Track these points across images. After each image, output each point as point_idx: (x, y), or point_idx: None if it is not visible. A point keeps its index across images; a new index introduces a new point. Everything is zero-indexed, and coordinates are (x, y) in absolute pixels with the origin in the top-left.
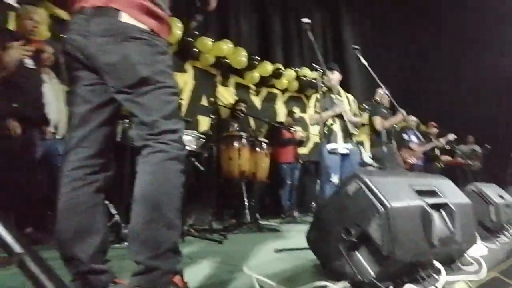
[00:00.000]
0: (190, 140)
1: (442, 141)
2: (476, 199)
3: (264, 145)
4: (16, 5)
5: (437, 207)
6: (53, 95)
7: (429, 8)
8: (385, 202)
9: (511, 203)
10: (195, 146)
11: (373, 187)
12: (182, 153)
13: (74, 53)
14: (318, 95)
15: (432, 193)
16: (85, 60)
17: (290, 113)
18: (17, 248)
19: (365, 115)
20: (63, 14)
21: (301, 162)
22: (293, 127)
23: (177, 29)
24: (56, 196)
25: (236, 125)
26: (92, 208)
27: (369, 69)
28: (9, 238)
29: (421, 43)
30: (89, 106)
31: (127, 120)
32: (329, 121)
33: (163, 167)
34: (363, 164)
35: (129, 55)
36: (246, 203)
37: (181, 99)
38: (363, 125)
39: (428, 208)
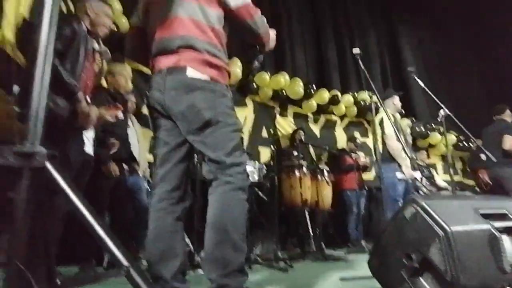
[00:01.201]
0: (252, 171)
1: None
2: None
3: (326, 173)
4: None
5: (509, 230)
6: (135, 137)
7: (492, 21)
8: (445, 225)
9: None
10: (257, 177)
11: (430, 210)
12: (246, 183)
13: (155, 105)
14: (388, 116)
15: (502, 216)
16: (163, 111)
17: (352, 139)
18: (125, 262)
19: (435, 135)
20: (142, 68)
21: (366, 188)
22: (355, 152)
23: (237, 68)
24: (139, 224)
25: (296, 154)
26: (173, 234)
27: (427, 90)
28: (118, 253)
29: (488, 58)
30: (168, 148)
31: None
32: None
33: (229, 196)
34: (438, 188)
35: (194, 103)
36: (311, 232)
37: (242, 133)
38: (431, 146)
39: (496, 232)
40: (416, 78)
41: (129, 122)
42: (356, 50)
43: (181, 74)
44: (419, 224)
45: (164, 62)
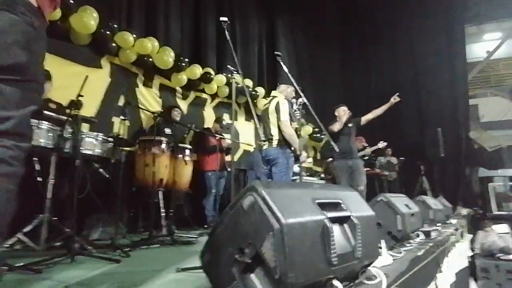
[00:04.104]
0: (93, 143)
1: (368, 150)
2: (385, 210)
3: (187, 152)
4: None
5: (339, 220)
6: None
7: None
8: (281, 217)
9: (416, 212)
10: (99, 151)
11: (269, 200)
12: (21, 170)
13: None
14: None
15: (336, 206)
16: None
17: (218, 120)
18: None
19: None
20: None
21: (228, 170)
22: (220, 134)
23: (92, 19)
24: None
25: (168, 130)
26: None
27: (290, 76)
28: None
29: (351, 60)
30: None
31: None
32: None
33: None
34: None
35: (7, 30)
36: (163, 214)
37: (81, 95)
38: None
39: (328, 223)
40: (281, 62)
41: None
42: (223, 18)
43: None
44: (257, 215)
45: None
